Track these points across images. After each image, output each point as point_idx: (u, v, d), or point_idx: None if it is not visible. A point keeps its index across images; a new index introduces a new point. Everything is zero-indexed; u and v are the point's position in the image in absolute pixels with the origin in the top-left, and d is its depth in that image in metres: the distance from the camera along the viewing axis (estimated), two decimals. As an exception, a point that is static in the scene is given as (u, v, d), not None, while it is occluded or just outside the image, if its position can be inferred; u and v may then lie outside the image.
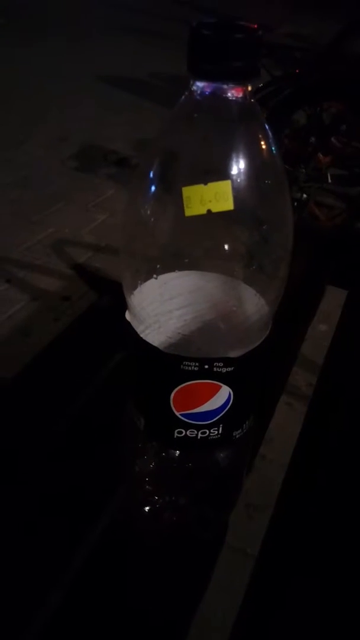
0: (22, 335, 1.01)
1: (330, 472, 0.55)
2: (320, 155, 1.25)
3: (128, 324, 0.35)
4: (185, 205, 0.28)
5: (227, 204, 0.28)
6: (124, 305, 0.38)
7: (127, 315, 0.36)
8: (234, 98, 0.28)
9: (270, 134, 0.30)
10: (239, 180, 0.29)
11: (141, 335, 0.34)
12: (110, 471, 0.50)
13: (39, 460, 0.53)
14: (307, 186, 1.24)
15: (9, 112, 1.99)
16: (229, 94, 0.28)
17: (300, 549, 0.48)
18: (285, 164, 0.34)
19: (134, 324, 0.35)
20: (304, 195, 1.22)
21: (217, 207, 0.28)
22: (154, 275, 0.32)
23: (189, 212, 0.28)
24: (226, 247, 0.31)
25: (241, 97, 0.28)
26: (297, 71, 1.23)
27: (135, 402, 0.40)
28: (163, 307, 0.33)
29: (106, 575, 0.45)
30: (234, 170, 0.29)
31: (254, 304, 0.34)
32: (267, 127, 0.30)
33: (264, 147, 0.30)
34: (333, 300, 0.79)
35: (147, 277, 0.33)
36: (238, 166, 0.29)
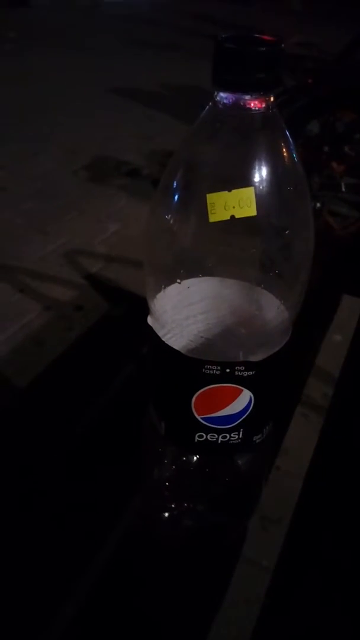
0: (35, 344, 1.02)
1: (348, 485, 0.54)
2: (334, 164, 1.25)
3: (150, 328, 0.36)
4: (209, 212, 0.29)
5: (251, 210, 0.29)
6: (136, 315, 0.38)
7: (149, 320, 0.36)
8: (256, 108, 0.29)
9: (291, 142, 0.30)
10: (261, 187, 0.29)
11: (163, 339, 0.34)
12: (124, 479, 0.50)
13: (54, 470, 0.53)
14: (321, 195, 1.25)
15: (21, 124, 2.01)
16: (252, 104, 0.29)
17: (317, 563, 0.47)
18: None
19: (156, 328, 0.35)
20: (318, 204, 1.22)
21: (240, 213, 0.29)
22: (178, 280, 0.33)
23: (213, 218, 0.29)
24: (248, 253, 0.32)
25: (264, 107, 0.29)
26: (310, 81, 1.24)
27: (156, 407, 0.40)
28: (186, 311, 0.34)
29: (122, 584, 0.45)
30: (257, 178, 0.29)
31: (274, 309, 0.34)
32: (288, 135, 0.30)
33: (285, 154, 0.30)
34: (349, 309, 0.79)
35: (171, 281, 0.33)
36: (261, 174, 0.29)
